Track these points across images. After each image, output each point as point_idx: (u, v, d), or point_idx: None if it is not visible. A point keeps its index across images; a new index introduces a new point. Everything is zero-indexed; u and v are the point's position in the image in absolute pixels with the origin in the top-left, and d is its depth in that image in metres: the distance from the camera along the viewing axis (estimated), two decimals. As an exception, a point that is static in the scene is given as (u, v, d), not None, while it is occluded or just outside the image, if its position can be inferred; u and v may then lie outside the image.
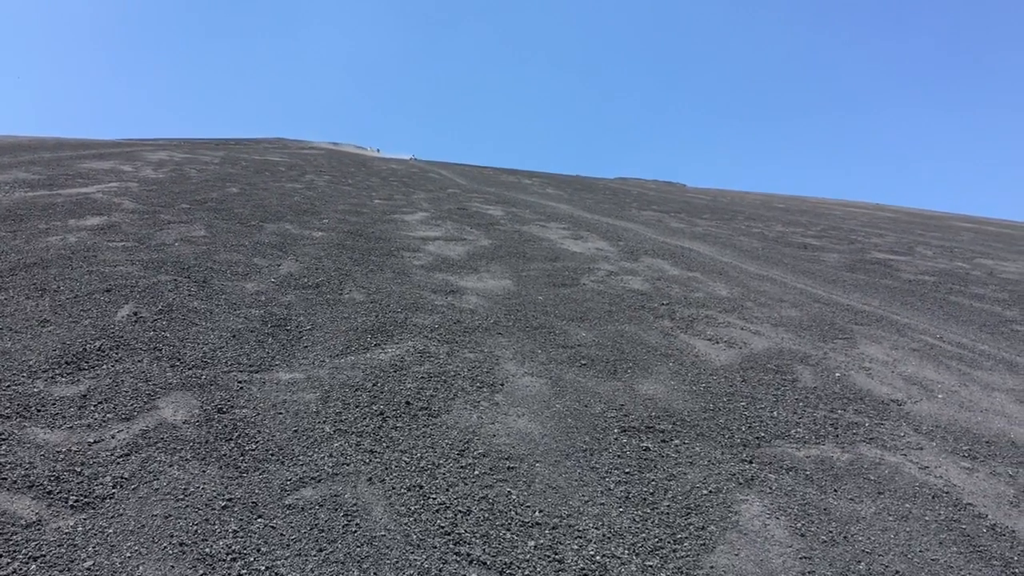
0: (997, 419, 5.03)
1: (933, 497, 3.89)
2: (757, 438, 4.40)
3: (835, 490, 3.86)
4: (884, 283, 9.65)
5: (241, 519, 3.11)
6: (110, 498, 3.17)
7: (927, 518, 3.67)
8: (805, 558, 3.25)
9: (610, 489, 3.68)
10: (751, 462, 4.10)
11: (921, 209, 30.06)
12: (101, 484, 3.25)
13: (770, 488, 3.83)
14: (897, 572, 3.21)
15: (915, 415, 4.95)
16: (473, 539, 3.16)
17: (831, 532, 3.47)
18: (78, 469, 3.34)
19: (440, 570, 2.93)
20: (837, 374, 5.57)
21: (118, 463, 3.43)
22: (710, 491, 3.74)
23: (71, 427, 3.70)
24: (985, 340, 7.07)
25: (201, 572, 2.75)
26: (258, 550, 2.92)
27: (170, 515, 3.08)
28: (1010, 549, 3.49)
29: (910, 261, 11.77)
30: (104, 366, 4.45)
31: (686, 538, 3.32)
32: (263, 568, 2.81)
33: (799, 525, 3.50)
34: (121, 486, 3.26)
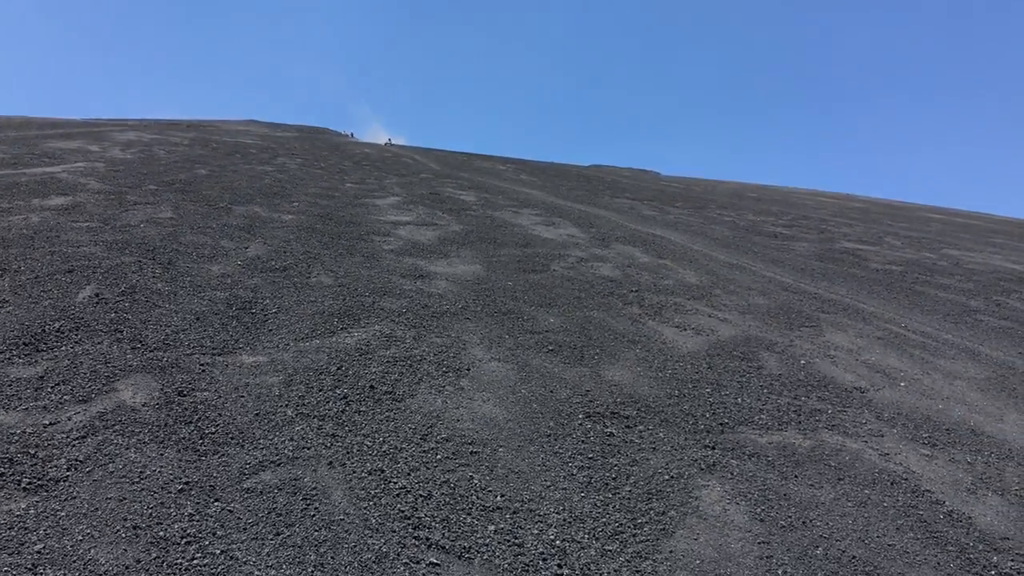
0: (958, 407, 5.09)
1: (892, 483, 3.93)
2: (721, 424, 4.42)
3: (796, 476, 3.89)
4: (852, 272, 9.73)
5: (198, 502, 3.07)
6: (64, 481, 3.12)
7: (885, 504, 3.71)
8: (763, 543, 3.27)
9: (572, 474, 3.68)
10: (714, 448, 4.12)
11: (891, 200, 30.32)
12: (55, 466, 3.20)
13: (731, 474, 3.85)
14: (854, 557, 3.24)
15: (877, 402, 5.00)
16: (433, 523, 3.15)
17: (790, 517, 3.49)
18: (32, 451, 3.28)
19: (398, 554, 2.92)
20: (802, 361, 5.61)
21: (73, 445, 3.38)
22: (672, 476, 3.75)
23: (27, 409, 3.64)
24: (949, 329, 7.15)
25: (154, 555, 2.71)
26: (214, 534, 2.89)
27: (125, 498, 3.04)
28: (966, 535, 3.53)
29: (878, 251, 11.88)
30: (63, 347, 4.38)
31: (646, 523, 3.33)
32: (218, 552, 2.78)
33: (759, 510, 3.53)
34: (76, 469, 3.21)
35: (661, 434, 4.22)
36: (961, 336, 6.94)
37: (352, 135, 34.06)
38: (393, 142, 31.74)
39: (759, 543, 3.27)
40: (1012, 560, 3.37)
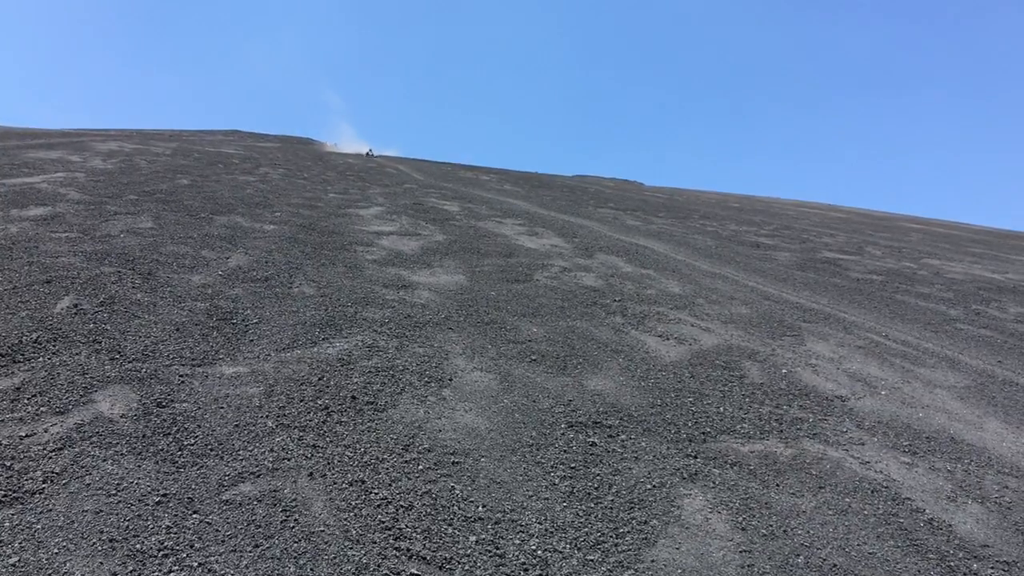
0: (938, 415, 5.12)
1: (873, 491, 3.94)
2: (703, 433, 4.42)
3: (777, 485, 3.90)
4: (833, 282, 9.79)
5: (175, 515, 3.04)
6: (39, 493, 3.08)
7: (866, 512, 3.72)
8: (745, 551, 3.27)
9: (555, 484, 3.67)
10: (696, 457, 4.12)
11: (872, 210, 30.58)
12: (31, 479, 3.16)
13: (713, 483, 3.85)
14: (835, 565, 3.25)
15: (858, 411, 5.02)
16: (414, 534, 3.13)
17: (771, 526, 3.49)
18: (8, 463, 3.24)
19: (379, 565, 2.89)
20: (784, 370, 5.63)
21: (50, 457, 3.34)
22: (654, 486, 3.75)
23: (2, 420, 3.60)
24: (929, 338, 7.20)
25: (131, 568, 2.68)
26: (191, 546, 2.85)
27: (101, 510, 3.00)
28: (946, 543, 3.54)
29: (859, 260, 11.96)
30: (40, 359, 4.33)
31: (628, 532, 3.32)
32: (195, 564, 2.75)
33: (740, 519, 3.53)
34: (52, 481, 3.17)
35: (643, 443, 4.22)
36: (941, 345, 6.99)
37: (335, 145, 34.04)
38: (374, 152, 31.39)
39: (741, 552, 3.27)
40: (992, 568, 3.38)
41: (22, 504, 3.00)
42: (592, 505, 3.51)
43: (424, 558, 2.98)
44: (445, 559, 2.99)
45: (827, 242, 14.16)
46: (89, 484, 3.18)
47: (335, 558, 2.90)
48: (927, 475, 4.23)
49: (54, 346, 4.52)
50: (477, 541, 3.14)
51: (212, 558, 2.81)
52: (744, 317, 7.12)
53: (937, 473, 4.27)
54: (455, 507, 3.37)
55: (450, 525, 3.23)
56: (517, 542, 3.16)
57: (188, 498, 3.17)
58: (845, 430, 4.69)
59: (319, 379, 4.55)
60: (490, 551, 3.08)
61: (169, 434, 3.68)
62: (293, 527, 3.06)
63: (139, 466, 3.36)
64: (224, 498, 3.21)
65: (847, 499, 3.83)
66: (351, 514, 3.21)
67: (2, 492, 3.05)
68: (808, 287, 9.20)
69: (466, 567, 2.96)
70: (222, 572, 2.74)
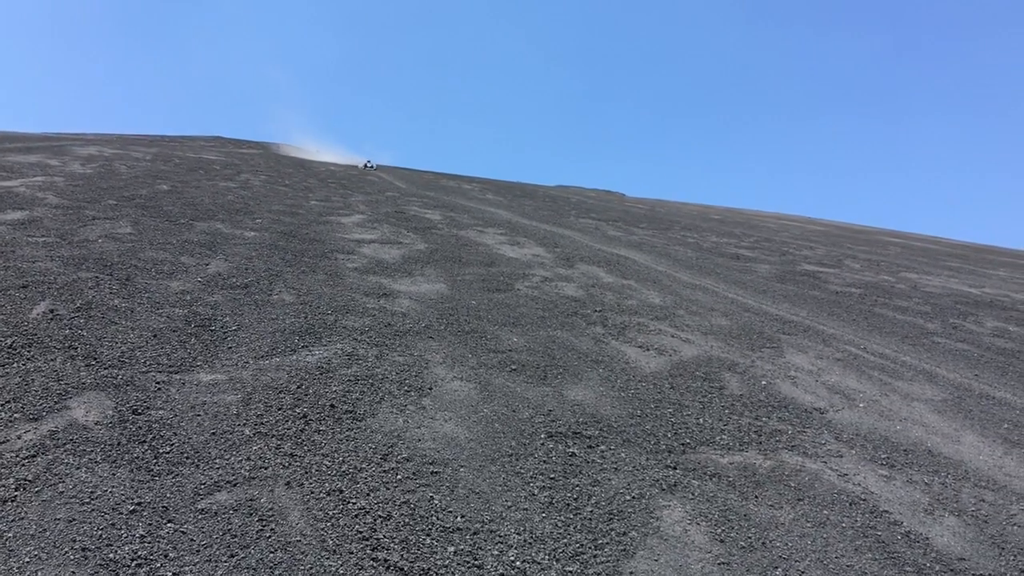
0: (915, 428, 5.15)
1: (851, 504, 3.96)
2: (682, 444, 4.43)
3: (756, 496, 3.91)
4: (812, 294, 9.85)
5: (150, 524, 3.00)
6: (11, 501, 3.03)
7: (844, 525, 3.73)
8: (723, 564, 3.27)
9: (534, 494, 3.66)
10: (675, 468, 4.12)
11: (851, 223, 30.85)
12: (3, 486, 3.11)
13: (692, 494, 3.85)
14: (813, 577, 3.25)
15: (836, 423, 5.04)
16: (392, 544, 3.10)
17: (750, 538, 3.50)
18: (-22, 471, 3.19)
19: (356, 576, 2.87)
20: (763, 382, 5.65)
21: (22, 465, 3.29)
22: (633, 497, 3.75)
23: (-26, 427, 3.54)
24: (907, 351, 7.25)
25: (103, 579, 2.64)
26: (165, 556, 2.82)
27: (74, 519, 2.96)
28: (923, 556, 3.56)
29: (838, 273, 12.04)
30: (14, 364, 4.27)
31: (607, 544, 3.31)
32: (170, 574, 2.71)
33: (719, 531, 3.53)
34: (24, 488, 3.12)
35: (623, 454, 4.22)
36: (919, 358, 7.04)
37: (318, 151, 33.82)
38: (373, 164, 29.59)
39: (719, 564, 3.27)
40: (968, 580, 3.41)
41: (-7, 512, 2.95)
42: (571, 516, 3.50)
43: (401, 569, 2.96)
44: (423, 570, 2.97)
45: (807, 255, 14.26)
46: (62, 492, 3.13)
47: (311, 568, 2.88)
48: (904, 488, 4.25)
49: (29, 352, 4.46)
50: (455, 552, 3.12)
51: (187, 568, 2.77)
52: (724, 328, 7.15)
53: (914, 486, 4.29)
54: (433, 517, 3.35)
55: (428, 535, 3.21)
56: (495, 553, 3.15)
57: (163, 507, 3.13)
58: (823, 442, 4.70)
59: (298, 387, 4.52)
60: (468, 562, 3.06)
61: (144, 442, 3.63)
62: (269, 537, 3.03)
63: (113, 474, 3.32)
64: (200, 507, 3.17)
65: (825, 511, 3.84)
66: (328, 524, 3.19)
67: (-28, 500, 3.00)
68: (787, 299, 9.25)
69: (444, 578, 2.95)
70: (196, 582, 2.71)
